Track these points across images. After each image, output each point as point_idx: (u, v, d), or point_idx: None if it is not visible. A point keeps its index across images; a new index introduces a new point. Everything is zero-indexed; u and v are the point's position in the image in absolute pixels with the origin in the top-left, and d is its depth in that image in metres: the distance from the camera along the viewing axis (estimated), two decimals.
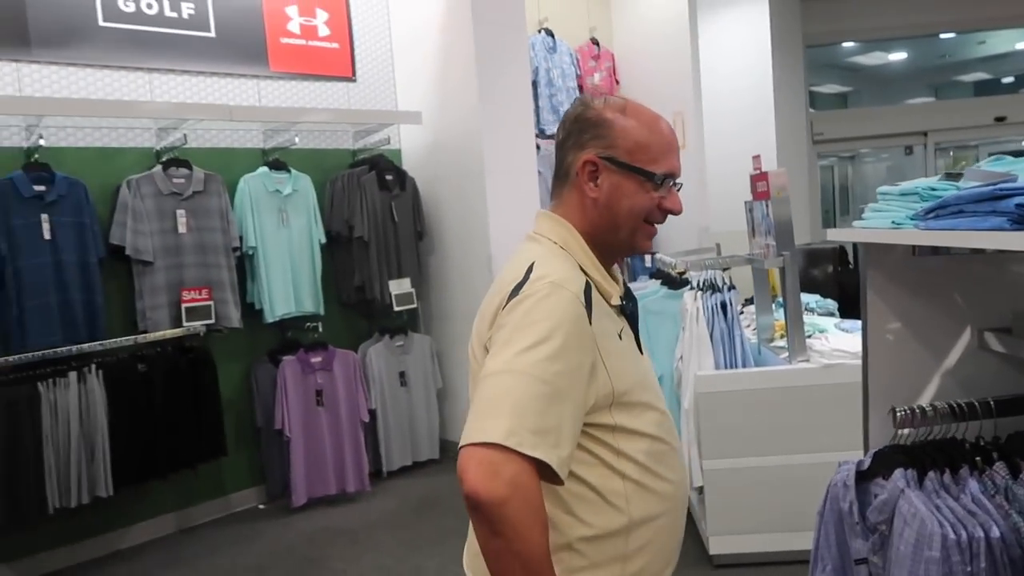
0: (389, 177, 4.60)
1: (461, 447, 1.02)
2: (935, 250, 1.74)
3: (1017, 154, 1.67)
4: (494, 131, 4.60)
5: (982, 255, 1.73)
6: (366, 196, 4.46)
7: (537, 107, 5.38)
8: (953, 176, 1.64)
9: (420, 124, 4.78)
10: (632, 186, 1.25)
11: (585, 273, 1.23)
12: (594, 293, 1.20)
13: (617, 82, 6.04)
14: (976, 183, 1.46)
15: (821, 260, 5.17)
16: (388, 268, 4.57)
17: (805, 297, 3.72)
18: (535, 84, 5.37)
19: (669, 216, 1.30)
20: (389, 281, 4.54)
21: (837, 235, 1.89)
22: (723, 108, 6.30)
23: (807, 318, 3.28)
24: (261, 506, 4.20)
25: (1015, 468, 1.43)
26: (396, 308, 4.53)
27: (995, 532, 1.30)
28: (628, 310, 1.31)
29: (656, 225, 1.31)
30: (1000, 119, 7.12)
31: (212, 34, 4.16)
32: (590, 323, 1.14)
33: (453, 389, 4.89)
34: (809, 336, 3.13)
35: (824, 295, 4.11)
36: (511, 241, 4.62)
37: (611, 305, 1.26)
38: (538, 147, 5.12)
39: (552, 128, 5.52)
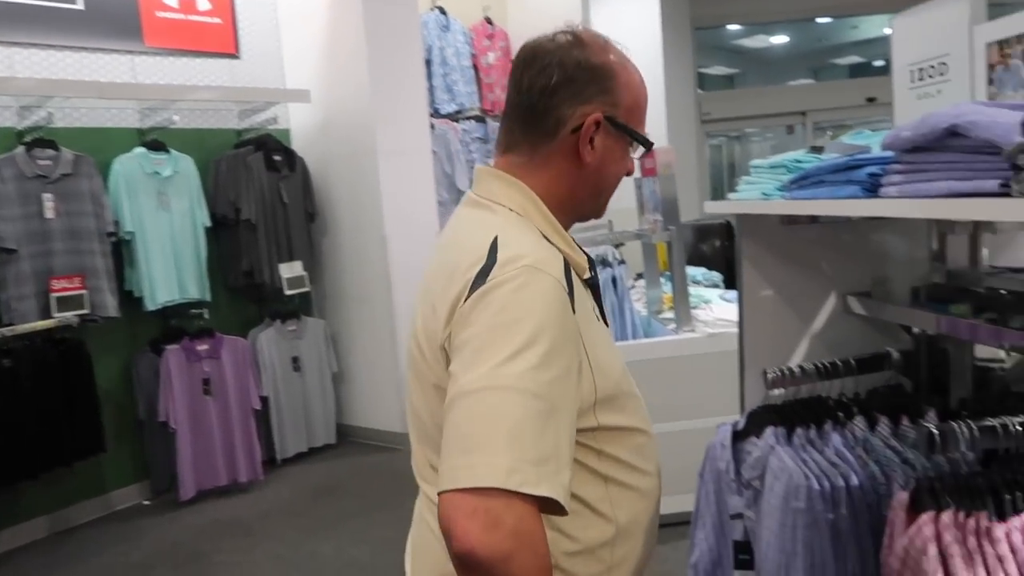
0: (277, 157, 4.45)
1: (443, 492, 0.83)
2: (812, 219, 1.82)
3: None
4: (386, 110, 4.53)
5: (846, 224, 1.82)
6: (253, 177, 4.30)
7: (431, 86, 5.31)
8: (817, 149, 1.72)
9: (309, 103, 4.64)
10: (621, 150, 1.11)
11: (551, 244, 1.05)
12: (572, 271, 1.02)
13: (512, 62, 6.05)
14: (836, 155, 1.54)
15: (709, 235, 5.35)
16: (278, 251, 4.43)
17: (692, 270, 3.85)
18: (428, 63, 5.30)
19: None
20: (279, 264, 4.40)
21: (713, 207, 1.95)
22: None
23: (693, 290, 3.39)
24: (146, 502, 4.01)
25: (873, 421, 1.52)
26: (287, 292, 4.41)
27: (854, 481, 1.37)
28: (593, 281, 1.14)
29: None
30: (871, 100, 7.54)
31: (80, 6, 3.89)
32: (574, 311, 0.96)
33: (349, 373, 4.82)
34: (695, 307, 3.23)
35: (712, 268, 4.26)
36: (406, 222, 4.60)
37: (583, 280, 1.08)
38: (432, 127, 5.07)
39: (447, 107, 5.47)
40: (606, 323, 1.18)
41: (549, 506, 0.84)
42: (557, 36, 1.09)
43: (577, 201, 1.11)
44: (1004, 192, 0.99)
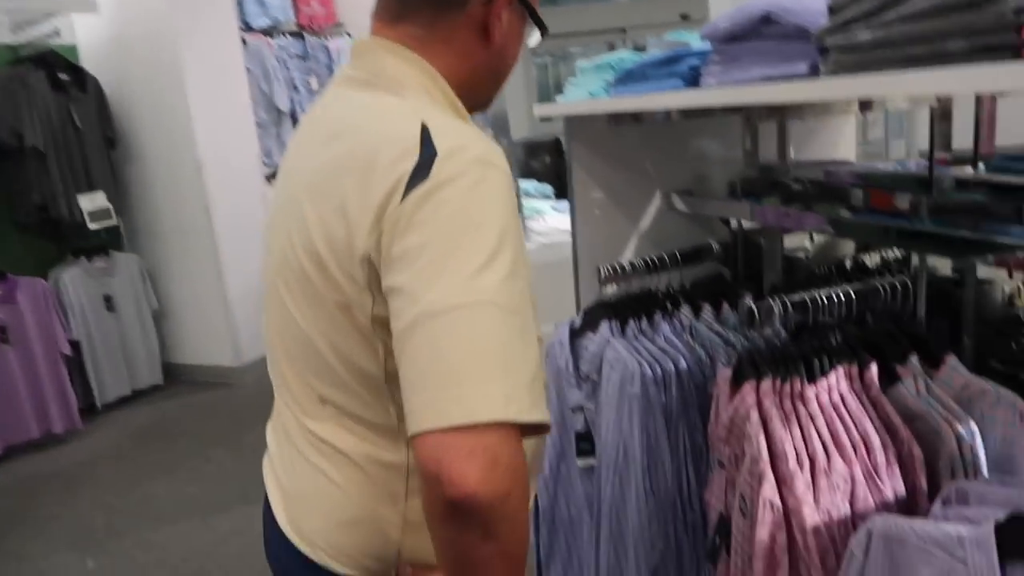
0: (64, 76, 3.97)
1: (428, 432, 0.69)
2: (635, 118, 1.85)
3: None
4: (189, 23, 4.16)
5: (667, 124, 1.88)
6: (36, 99, 3.82)
7: None
8: (640, 49, 1.75)
9: (95, 13, 4.13)
10: (519, 32, 0.99)
11: None
12: None
13: None
14: (658, 51, 1.57)
15: (539, 152, 5.43)
16: (75, 181, 4.00)
17: (524, 183, 3.89)
18: None
19: None
20: (78, 196, 3.98)
21: (542, 110, 1.93)
22: None
23: (526, 202, 3.43)
24: None
25: (697, 309, 1.61)
26: (91, 226, 4.01)
27: (683, 364, 1.45)
28: None
29: None
30: (685, 17, 7.83)
31: None
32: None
33: (172, 309, 4.52)
34: (529, 218, 3.28)
35: (542, 182, 4.32)
36: (222, 146, 4.28)
37: None
38: (244, 42, 4.70)
39: (259, 22, 5.06)
40: None
41: (531, 428, 0.74)
42: None
43: (476, 86, 0.97)
44: (813, 74, 1.04)
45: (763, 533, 1.06)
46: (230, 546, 2.76)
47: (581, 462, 1.61)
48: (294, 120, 5.16)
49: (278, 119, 5.01)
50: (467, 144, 0.79)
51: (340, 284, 0.82)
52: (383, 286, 0.78)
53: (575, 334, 1.69)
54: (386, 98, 0.88)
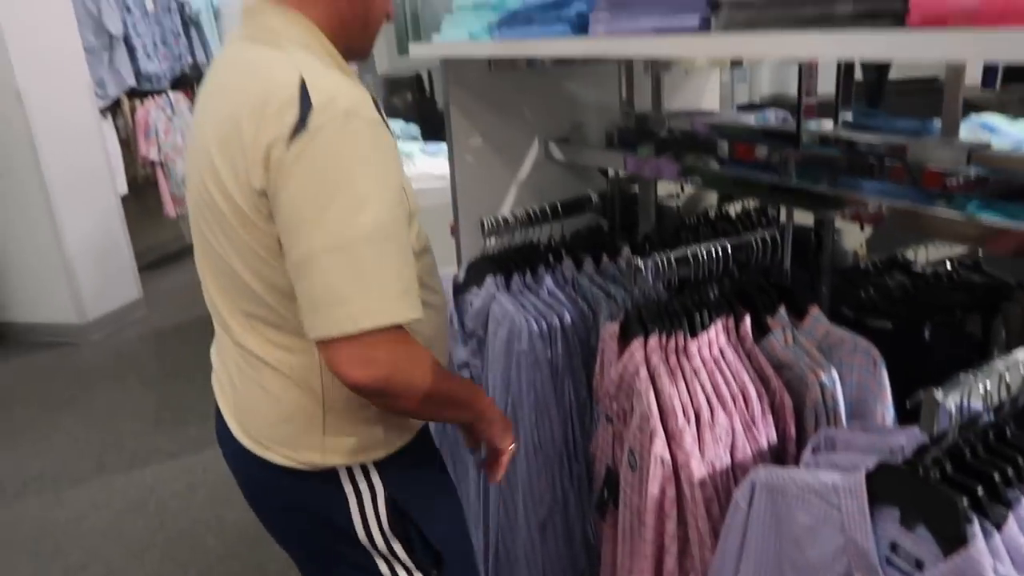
0: None
1: (319, 341, 0.94)
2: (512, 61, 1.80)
3: None
4: None
5: (543, 69, 1.84)
6: None
7: None
8: None
9: None
10: None
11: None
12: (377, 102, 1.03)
13: None
14: None
15: (400, 88, 5.23)
16: None
17: (390, 124, 3.74)
18: None
19: None
20: None
21: (418, 51, 1.84)
22: None
23: None
24: None
25: (579, 261, 1.61)
26: None
27: (568, 318, 1.46)
28: None
29: None
30: None
31: None
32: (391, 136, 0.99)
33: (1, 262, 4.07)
34: None
35: (408, 121, 4.18)
36: (46, 73, 3.84)
37: None
38: None
39: None
40: None
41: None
42: None
43: (347, 35, 1.07)
44: (704, 29, 1.03)
45: (654, 487, 1.09)
46: (90, 521, 2.57)
47: None
48: (129, 47, 4.69)
49: (110, 44, 4.54)
50: (335, 95, 0.91)
51: (246, 214, 0.96)
52: (276, 220, 0.95)
53: (458, 289, 1.66)
54: (270, 52, 0.99)
